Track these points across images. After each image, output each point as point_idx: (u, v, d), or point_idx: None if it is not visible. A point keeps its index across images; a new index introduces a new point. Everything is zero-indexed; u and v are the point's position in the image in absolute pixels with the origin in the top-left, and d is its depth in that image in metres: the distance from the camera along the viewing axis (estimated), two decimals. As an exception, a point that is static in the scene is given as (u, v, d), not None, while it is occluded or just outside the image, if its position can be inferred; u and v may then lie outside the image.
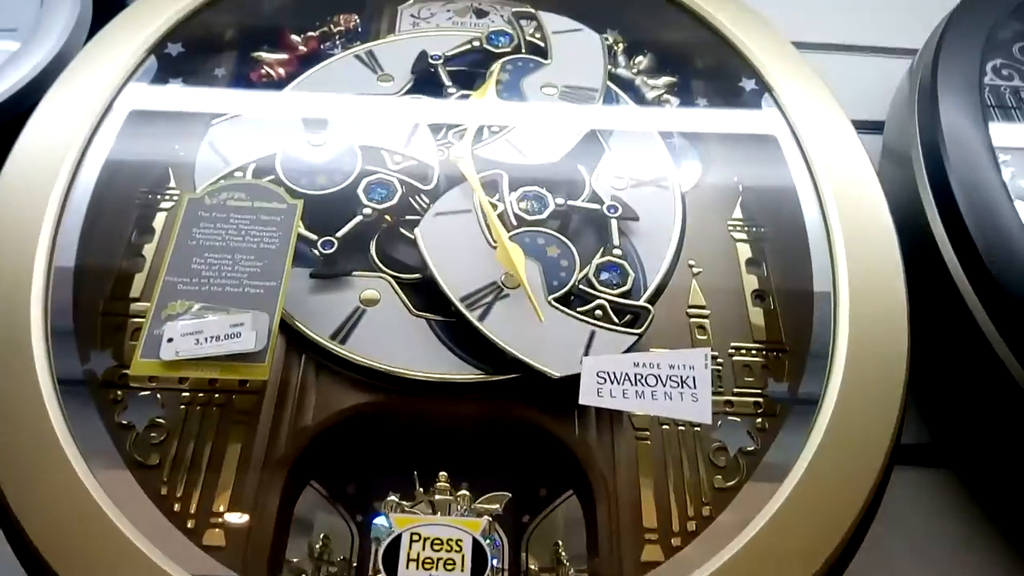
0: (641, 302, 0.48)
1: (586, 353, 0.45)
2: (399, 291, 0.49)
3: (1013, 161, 0.61)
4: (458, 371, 0.46)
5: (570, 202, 0.52)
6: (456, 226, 0.50)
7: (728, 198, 0.56)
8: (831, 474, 0.40)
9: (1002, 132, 0.61)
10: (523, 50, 0.61)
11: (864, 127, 0.68)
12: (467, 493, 0.43)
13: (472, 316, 0.46)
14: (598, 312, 0.47)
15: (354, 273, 0.49)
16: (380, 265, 0.50)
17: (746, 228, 0.55)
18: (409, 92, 0.58)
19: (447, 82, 0.59)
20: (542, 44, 0.61)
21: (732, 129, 0.59)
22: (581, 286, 0.48)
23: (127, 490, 0.39)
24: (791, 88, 0.56)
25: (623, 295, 0.48)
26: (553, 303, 0.47)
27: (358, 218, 0.50)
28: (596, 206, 0.52)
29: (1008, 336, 0.46)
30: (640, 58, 0.62)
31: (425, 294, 0.48)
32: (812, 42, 0.78)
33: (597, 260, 0.49)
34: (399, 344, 0.46)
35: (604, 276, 0.49)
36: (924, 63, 0.63)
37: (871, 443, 0.41)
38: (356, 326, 0.47)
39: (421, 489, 0.43)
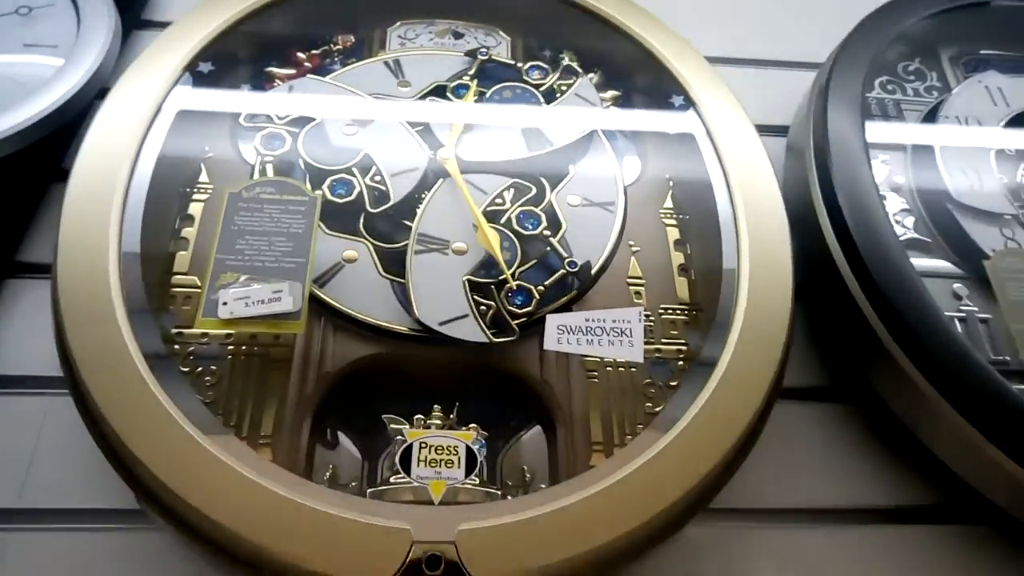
0: (515, 324, 0.57)
1: (445, 322, 0.57)
2: (374, 255, 0.61)
3: (891, 160, 0.76)
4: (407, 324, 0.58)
5: (552, 239, 0.62)
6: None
7: (661, 191, 0.69)
8: (730, 399, 0.53)
9: (879, 134, 0.75)
10: (540, 88, 0.71)
11: (776, 130, 0.83)
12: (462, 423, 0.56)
13: (411, 247, 0.59)
14: (483, 308, 0.58)
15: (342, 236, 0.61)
16: (364, 233, 0.62)
17: (674, 215, 0.68)
18: (420, 99, 0.70)
19: (470, 74, 0.71)
20: (558, 94, 0.71)
21: (663, 133, 0.72)
22: (494, 285, 0.59)
23: (200, 415, 0.51)
24: (710, 100, 0.69)
25: (512, 313, 0.58)
26: (465, 281, 0.59)
27: (308, 196, 0.61)
28: (565, 255, 0.61)
29: (870, 295, 0.61)
30: (592, 75, 0.75)
31: (394, 262, 0.60)
32: (738, 57, 0.92)
33: (520, 280, 0.59)
34: (365, 296, 0.59)
35: (513, 293, 0.59)
36: (822, 77, 0.77)
37: (759, 378, 0.55)
38: (334, 276, 0.59)
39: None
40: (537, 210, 0.64)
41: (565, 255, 0.61)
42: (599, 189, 0.66)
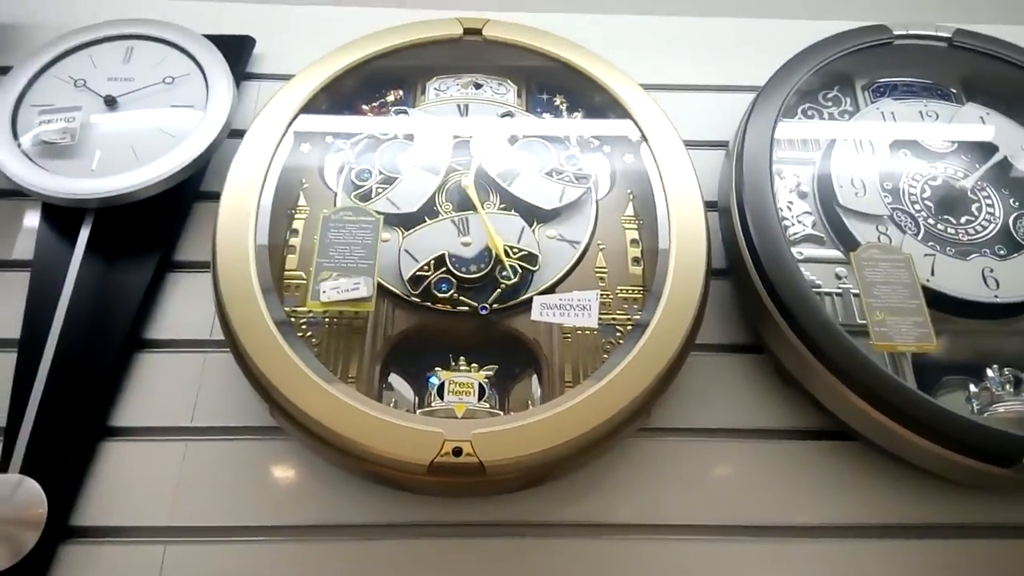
0: (425, 301, 0.85)
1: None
2: (402, 240, 0.89)
3: (800, 172, 1.00)
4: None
5: (501, 286, 0.86)
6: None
7: (624, 201, 0.96)
8: (653, 350, 0.80)
9: (790, 152, 1.00)
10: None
11: (725, 144, 1.07)
12: (476, 366, 0.84)
13: (451, 214, 0.91)
14: (426, 270, 0.86)
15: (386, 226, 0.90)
16: (397, 223, 0.91)
17: (633, 220, 0.95)
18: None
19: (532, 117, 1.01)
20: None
21: (625, 157, 0.98)
22: (444, 270, 0.86)
23: (312, 362, 0.80)
24: (655, 132, 0.95)
25: (429, 291, 0.85)
26: (442, 254, 0.87)
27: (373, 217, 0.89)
28: (485, 300, 0.86)
29: (760, 275, 0.86)
30: (576, 114, 1.02)
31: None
32: (705, 84, 1.17)
33: (470, 285, 0.86)
34: (390, 261, 0.88)
35: (441, 281, 0.86)
36: (752, 103, 1.01)
37: (676, 335, 0.81)
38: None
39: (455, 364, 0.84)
40: (529, 251, 0.89)
41: (484, 301, 0.86)
42: (573, 230, 0.93)
